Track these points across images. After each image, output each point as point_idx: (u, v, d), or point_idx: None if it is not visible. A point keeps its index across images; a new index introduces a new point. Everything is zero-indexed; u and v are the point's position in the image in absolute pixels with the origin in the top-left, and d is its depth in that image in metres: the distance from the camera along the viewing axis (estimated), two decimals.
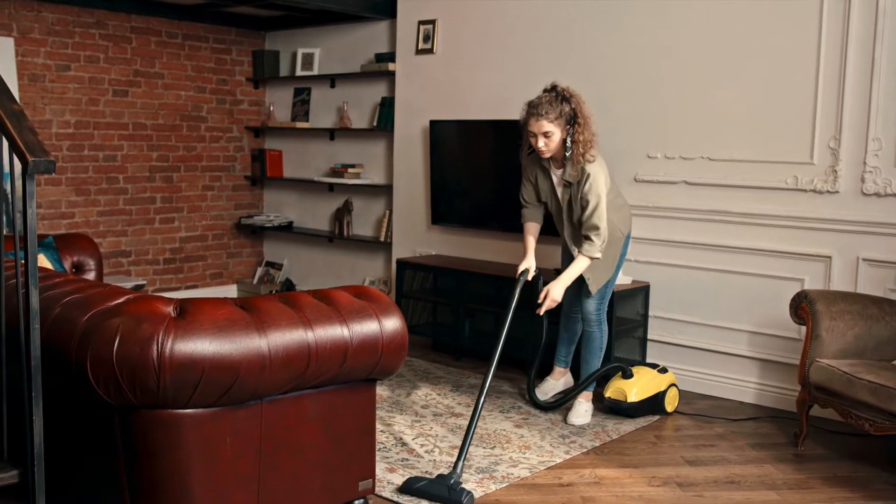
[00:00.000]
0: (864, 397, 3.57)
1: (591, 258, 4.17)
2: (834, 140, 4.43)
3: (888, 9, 4.22)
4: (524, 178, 4.41)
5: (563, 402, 4.40)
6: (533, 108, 4.05)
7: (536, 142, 4.09)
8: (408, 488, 3.39)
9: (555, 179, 4.25)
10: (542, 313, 4.26)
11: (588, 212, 4.11)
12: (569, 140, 4.06)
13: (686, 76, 4.89)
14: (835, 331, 3.93)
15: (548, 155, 4.13)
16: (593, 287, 4.31)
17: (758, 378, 4.75)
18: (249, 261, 7.60)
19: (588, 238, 4.14)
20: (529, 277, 4.32)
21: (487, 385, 3.86)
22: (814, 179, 4.50)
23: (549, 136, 4.05)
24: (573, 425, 4.30)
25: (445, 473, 3.48)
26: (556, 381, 4.76)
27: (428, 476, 3.52)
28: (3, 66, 5.72)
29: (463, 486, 3.42)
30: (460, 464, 3.48)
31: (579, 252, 4.18)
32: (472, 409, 4.43)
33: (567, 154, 4.09)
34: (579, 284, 4.42)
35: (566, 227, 4.33)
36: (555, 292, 4.19)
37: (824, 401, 3.87)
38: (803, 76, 4.49)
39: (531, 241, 4.42)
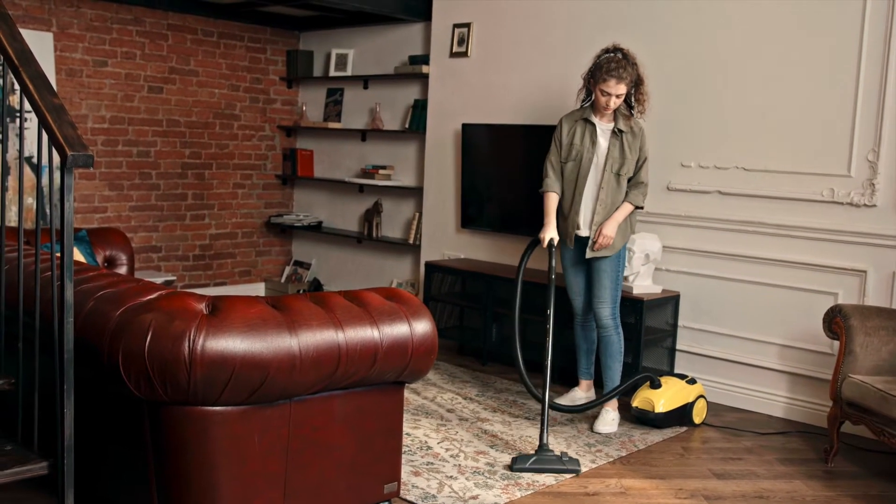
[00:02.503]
0: None
1: (638, 206, 4.40)
2: (872, 153, 4.36)
3: None
4: (556, 141, 4.49)
5: (588, 408, 4.36)
6: (613, 71, 4.21)
7: (609, 101, 4.26)
8: (521, 468, 3.72)
9: (599, 129, 4.37)
10: (596, 249, 4.36)
11: (644, 167, 4.38)
12: (632, 99, 4.36)
13: (722, 85, 4.84)
14: (869, 346, 3.87)
15: (611, 111, 4.34)
16: (619, 244, 4.39)
17: (788, 392, 4.69)
18: (278, 259, 7.63)
19: (636, 189, 4.39)
20: (556, 245, 4.45)
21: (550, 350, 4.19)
22: (850, 192, 4.44)
23: (621, 96, 4.27)
24: (600, 434, 4.28)
25: (541, 447, 3.82)
26: (585, 393, 4.73)
27: (526, 453, 3.93)
28: (41, 60, 5.77)
29: (568, 454, 3.90)
30: (546, 436, 3.86)
31: (624, 200, 4.37)
32: (496, 412, 4.44)
33: (632, 112, 4.39)
34: (591, 294, 4.48)
35: (603, 177, 4.33)
36: (608, 229, 4.32)
37: (856, 417, 3.81)
38: (842, 87, 4.43)
39: (554, 211, 4.50)
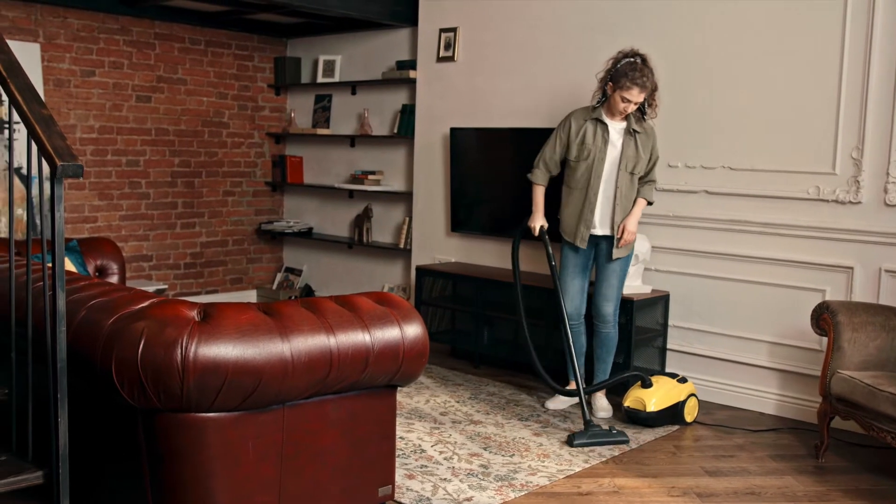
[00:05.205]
0: (886, 409, 3.55)
1: (650, 202, 4.58)
2: (857, 150, 4.40)
3: None
4: (557, 139, 4.55)
5: (607, 385, 4.55)
6: (638, 80, 4.26)
7: (628, 107, 4.33)
8: (580, 444, 4.05)
9: (613, 129, 4.43)
10: (621, 245, 4.49)
11: (656, 165, 4.56)
12: (646, 105, 4.43)
13: (708, 86, 4.88)
14: (857, 342, 3.90)
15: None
16: (624, 251, 4.53)
17: (778, 389, 4.72)
18: (269, 266, 7.63)
19: (648, 185, 4.55)
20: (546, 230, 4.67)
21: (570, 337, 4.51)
22: (836, 190, 4.48)
23: (639, 102, 4.35)
24: (602, 418, 4.53)
25: (590, 424, 4.15)
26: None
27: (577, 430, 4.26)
28: (29, 71, 5.76)
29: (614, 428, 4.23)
30: (588, 414, 4.21)
31: (639, 197, 4.52)
32: (489, 415, 4.47)
33: (644, 117, 4.47)
34: (585, 294, 4.63)
35: (619, 176, 4.43)
36: (631, 224, 4.46)
37: (846, 413, 3.84)
38: (826, 86, 4.47)
39: (542, 201, 4.66)
